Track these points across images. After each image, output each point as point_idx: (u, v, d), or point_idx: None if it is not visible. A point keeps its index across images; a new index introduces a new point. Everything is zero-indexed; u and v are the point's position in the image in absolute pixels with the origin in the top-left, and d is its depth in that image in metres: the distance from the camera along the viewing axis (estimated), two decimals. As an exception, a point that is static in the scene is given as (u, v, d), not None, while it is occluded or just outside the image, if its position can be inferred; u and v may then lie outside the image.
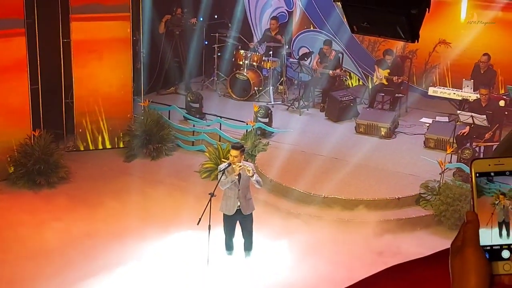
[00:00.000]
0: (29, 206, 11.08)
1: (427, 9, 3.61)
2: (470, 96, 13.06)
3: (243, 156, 9.50)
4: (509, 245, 1.23)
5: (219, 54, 15.36)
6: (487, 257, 1.22)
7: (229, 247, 9.71)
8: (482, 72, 13.46)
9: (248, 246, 9.70)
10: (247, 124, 12.90)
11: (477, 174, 1.26)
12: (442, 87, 14.21)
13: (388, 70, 13.92)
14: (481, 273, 1.21)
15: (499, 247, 1.23)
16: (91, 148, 13.20)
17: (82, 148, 13.13)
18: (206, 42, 15.58)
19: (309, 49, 15.44)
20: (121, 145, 13.30)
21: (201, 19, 15.32)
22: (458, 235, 1.26)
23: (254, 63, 14.80)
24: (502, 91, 13.83)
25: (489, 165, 1.26)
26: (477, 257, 1.22)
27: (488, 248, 1.23)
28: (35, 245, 9.90)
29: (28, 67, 12.03)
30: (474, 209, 1.25)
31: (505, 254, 1.23)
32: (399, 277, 1.43)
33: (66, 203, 11.19)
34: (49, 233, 10.25)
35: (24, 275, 9.19)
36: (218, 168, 9.75)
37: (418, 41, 3.65)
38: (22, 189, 11.63)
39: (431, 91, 13.99)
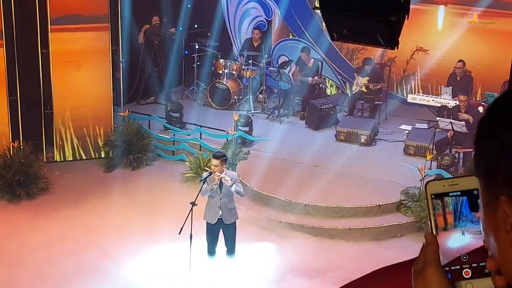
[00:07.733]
0: (8, 218, 10.99)
1: (406, 16, 3.63)
2: (449, 103, 13.13)
3: (224, 165, 9.47)
4: (470, 264, 1.24)
5: (198, 63, 15.33)
6: (449, 277, 1.23)
7: (211, 253, 9.70)
8: (458, 78, 13.53)
9: (230, 255, 9.69)
10: (227, 133, 12.88)
11: (433, 196, 1.26)
12: (421, 94, 14.29)
13: (368, 78, 13.97)
14: None
15: (459, 267, 1.24)
16: (71, 159, 13.12)
17: (61, 159, 13.05)
18: (186, 52, 15.55)
19: (288, 58, 15.45)
20: (101, 156, 13.24)
21: (181, 28, 15.30)
22: (419, 258, 1.26)
23: (234, 72, 14.79)
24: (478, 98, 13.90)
25: (444, 186, 1.26)
26: (439, 277, 1.22)
27: (449, 269, 1.24)
28: (14, 256, 9.84)
29: (6, 78, 11.96)
30: (432, 230, 1.26)
31: (466, 273, 1.24)
32: (384, 280, 1.44)
33: (46, 214, 11.12)
34: (29, 244, 10.18)
35: (2, 285, 9.12)
36: (201, 177, 9.75)
37: (397, 48, 3.66)
38: (2, 200, 11.53)
39: (410, 98, 14.05)
